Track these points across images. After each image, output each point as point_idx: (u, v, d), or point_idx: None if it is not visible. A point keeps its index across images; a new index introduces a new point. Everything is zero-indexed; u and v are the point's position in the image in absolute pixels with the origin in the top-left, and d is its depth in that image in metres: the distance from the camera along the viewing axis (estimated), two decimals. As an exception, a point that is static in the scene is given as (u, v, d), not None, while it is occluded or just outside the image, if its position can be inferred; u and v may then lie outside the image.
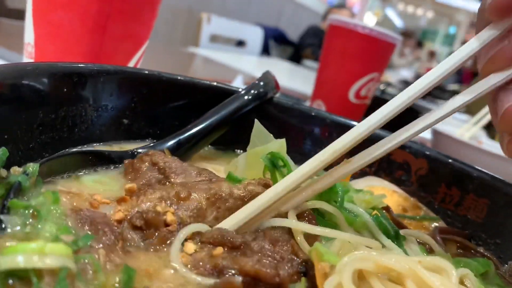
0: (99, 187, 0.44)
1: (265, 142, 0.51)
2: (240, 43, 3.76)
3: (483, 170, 0.60)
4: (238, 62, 2.64)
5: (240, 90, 0.65)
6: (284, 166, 0.47)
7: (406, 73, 7.32)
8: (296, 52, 4.60)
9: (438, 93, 3.82)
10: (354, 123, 0.68)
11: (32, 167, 0.38)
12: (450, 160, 0.63)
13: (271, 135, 0.52)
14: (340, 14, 4.55)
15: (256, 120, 0.54)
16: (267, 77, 0.69)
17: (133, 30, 0.70)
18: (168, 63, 2.02)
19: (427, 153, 0.64)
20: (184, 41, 3.81)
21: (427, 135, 1.85)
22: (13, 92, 0.41)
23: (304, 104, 1.58)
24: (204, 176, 0.48)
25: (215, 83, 0.66)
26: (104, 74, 0.53)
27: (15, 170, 0.37)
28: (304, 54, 4.31)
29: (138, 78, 0.58)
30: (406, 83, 4.45)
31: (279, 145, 0.49)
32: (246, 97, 0.64)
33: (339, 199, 0.44)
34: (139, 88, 0.58)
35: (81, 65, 0.50)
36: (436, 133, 1.45)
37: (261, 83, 0.67)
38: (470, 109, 3.42)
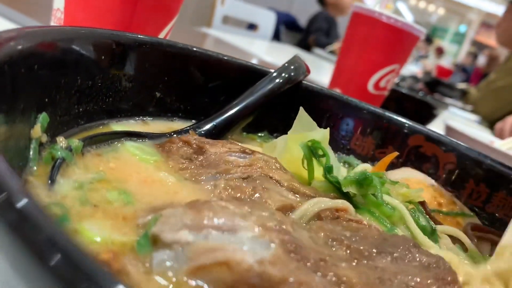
0: (139, 152, 0.44)
1: (308, 130, 0.49)
2: (251, 27, 3.72)
3: (516, 169, 0.59)
4: (250, 46, 2.61)
5: (272, 72, 0.64)
6: (323, 156, 0.45)
7: (414, 68, 7.29)
8: (304, 39, 4.54)
9: (447, 91, 3.79)
10: (387, 113, 0.67)
11: (77, 143, 0.37)
12: (480, 156, 0.62)
13: (315, 123, 0.50)
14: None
15: (301, 107, 0.52)
16: (297, 61, 0.68)
17: (165, 1, 0.68)
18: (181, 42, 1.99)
19: (457, 147, 0.64)
20: (196, 21, 3.76)
21: (440, 131, 1.84)
22: (61, 55, 0.40)
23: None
24: (237, 148, 0.47)
25: (247, 63, 0.65)
26: (142, 45, 0.51)
27: (60, 140, 0.36)
28: (309, 41, 4.25)
29: (173, 52, 0.56)
30: (415, 79, 4.42)
31: (322, 135, 0.48)
32: (278, 80, 0.62)
33: (379, 193, 0.44)
34: (173, 62, 0.57)
35: (123, 34, 0.49)
36: (448, 129, 1.44)
37: (292, 67, 0.66)
38: (478, 109, 3.41)
